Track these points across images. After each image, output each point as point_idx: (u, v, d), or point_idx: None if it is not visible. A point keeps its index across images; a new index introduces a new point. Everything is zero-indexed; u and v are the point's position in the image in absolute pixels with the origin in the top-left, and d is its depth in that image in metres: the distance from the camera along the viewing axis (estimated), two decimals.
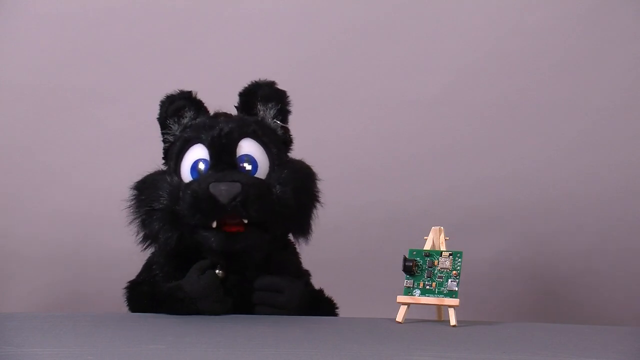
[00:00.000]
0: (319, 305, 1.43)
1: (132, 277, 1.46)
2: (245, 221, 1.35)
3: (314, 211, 1.41)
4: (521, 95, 1.91)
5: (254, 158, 1.38)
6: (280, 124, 1.43)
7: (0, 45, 1.90)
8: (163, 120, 1.43)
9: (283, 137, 1.44)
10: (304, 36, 1.91)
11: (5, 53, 1.90)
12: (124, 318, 1.35)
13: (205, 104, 1.45)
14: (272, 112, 1.43)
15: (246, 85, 1.45)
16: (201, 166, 1.38)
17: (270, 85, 1.44)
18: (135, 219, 1.39)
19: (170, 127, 1.43)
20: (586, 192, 1.90)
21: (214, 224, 1.35)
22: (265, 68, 1.85)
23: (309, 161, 1.44)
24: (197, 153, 1.39)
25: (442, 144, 1.91)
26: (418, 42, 1.91)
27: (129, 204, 1.40)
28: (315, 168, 1.43)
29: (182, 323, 1.27)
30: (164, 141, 1.44)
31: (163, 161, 1.44)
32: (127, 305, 1.43)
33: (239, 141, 1.38)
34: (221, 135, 1.38)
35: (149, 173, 1.41)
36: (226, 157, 1.37)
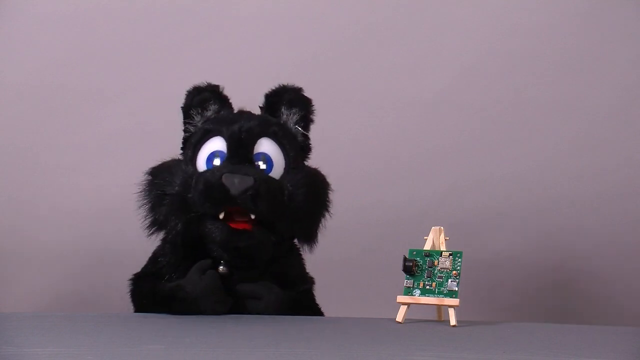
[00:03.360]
0: (301, 312, 1.41)
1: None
2: (253, 217, 1.35)
3: (323, 220, 1.41)
4: (521, 95, 1.91)
5: (270, 157, 1.39)
6: (302, 130, 1.44)
7: (0, 45, 1.90)
8: (187, 110, 1.43)
9: (302, 144, 1.44)
10: (303, 37, 1.91)
11: (5, 53, 1.90)
12: (123, 318, 1.35)
13: (230, 101, 1.45)
14: (295, 117, 1.43)
15: (273, 88, 1.45)
16: (216, 160, 1.38)
17: (297, 91, 1.44)
18: (145, 202, 1.39)
19: (193, 117, 1.43)
20: (586, 192, 1.90)
21: (222, 215, 1.35)
22: (265, 68, 1.85)
23: (308, 161, 1.44)
24: (215, 145, 1.39)
25: (442, 144, 1.91)
26: (418, 42, 1.91)
27: (141, 187, 1.39)
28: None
29: (182, 323, 1.27)
30: (185, 130, 1.43)
31: (181, 150, 1.43)
32: (131, 299, 1.43)
33: (258, 139, 1.39)
34: (241, 131, 1.38)
35: (165, 160, 1.41)
36: (243, 152, 1.38)
